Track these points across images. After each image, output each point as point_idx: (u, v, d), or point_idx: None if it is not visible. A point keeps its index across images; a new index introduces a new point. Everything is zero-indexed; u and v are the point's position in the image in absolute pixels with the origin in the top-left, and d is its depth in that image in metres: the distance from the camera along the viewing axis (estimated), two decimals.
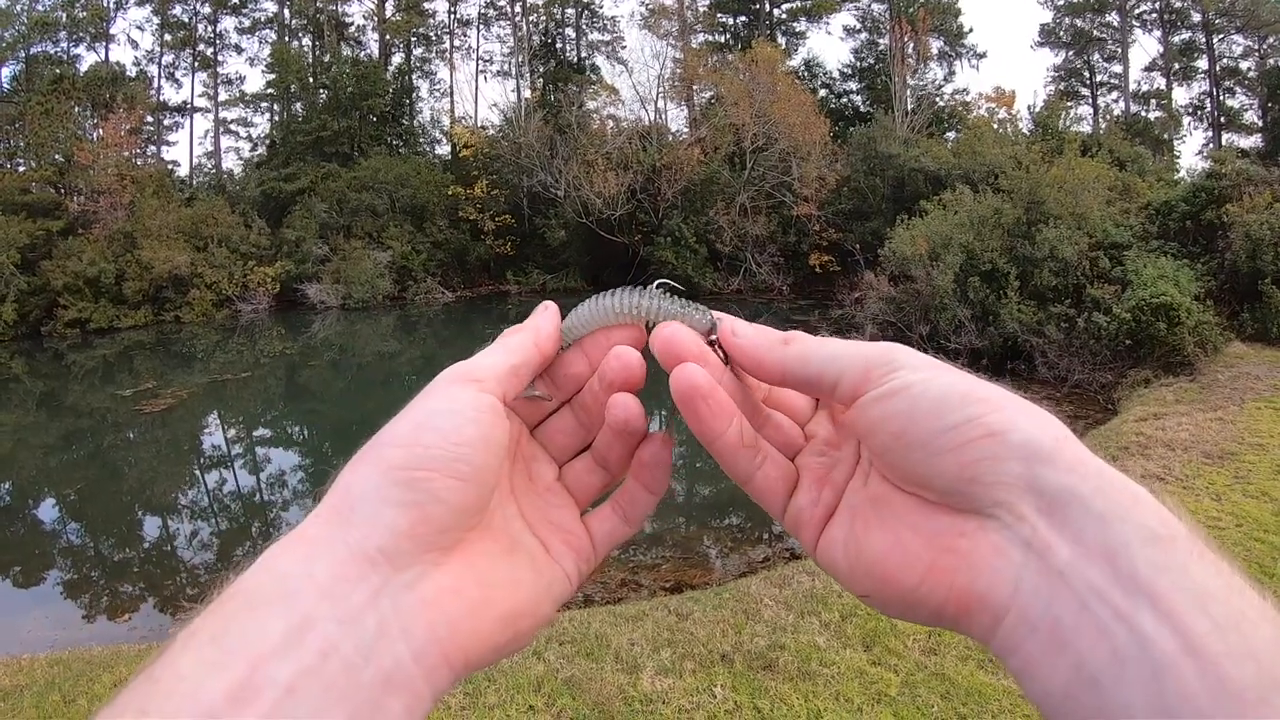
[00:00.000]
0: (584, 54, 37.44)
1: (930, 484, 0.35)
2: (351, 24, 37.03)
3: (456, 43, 38.25)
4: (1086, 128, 29.66)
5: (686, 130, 30.05)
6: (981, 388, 0.35)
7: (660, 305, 0.43)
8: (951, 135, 27.82)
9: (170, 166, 33.45)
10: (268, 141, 34.95)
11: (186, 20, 35.36)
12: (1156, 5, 33.70)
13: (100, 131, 26.29)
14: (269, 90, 35.05)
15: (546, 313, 0.44)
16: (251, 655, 0.29)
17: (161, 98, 34.77)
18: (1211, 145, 31.45)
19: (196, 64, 35.80)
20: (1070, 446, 0.33)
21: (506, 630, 0.37)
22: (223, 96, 36.29)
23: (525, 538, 0.41)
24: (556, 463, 0.45)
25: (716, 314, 0.44)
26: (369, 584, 0.32)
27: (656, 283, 0.45)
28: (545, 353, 0.43)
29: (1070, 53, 36.16)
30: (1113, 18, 34.79)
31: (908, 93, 30.95)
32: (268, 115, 36.61)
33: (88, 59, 31.72)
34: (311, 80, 33.36)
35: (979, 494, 0.34)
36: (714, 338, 0.43)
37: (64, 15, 31.04)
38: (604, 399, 0.42)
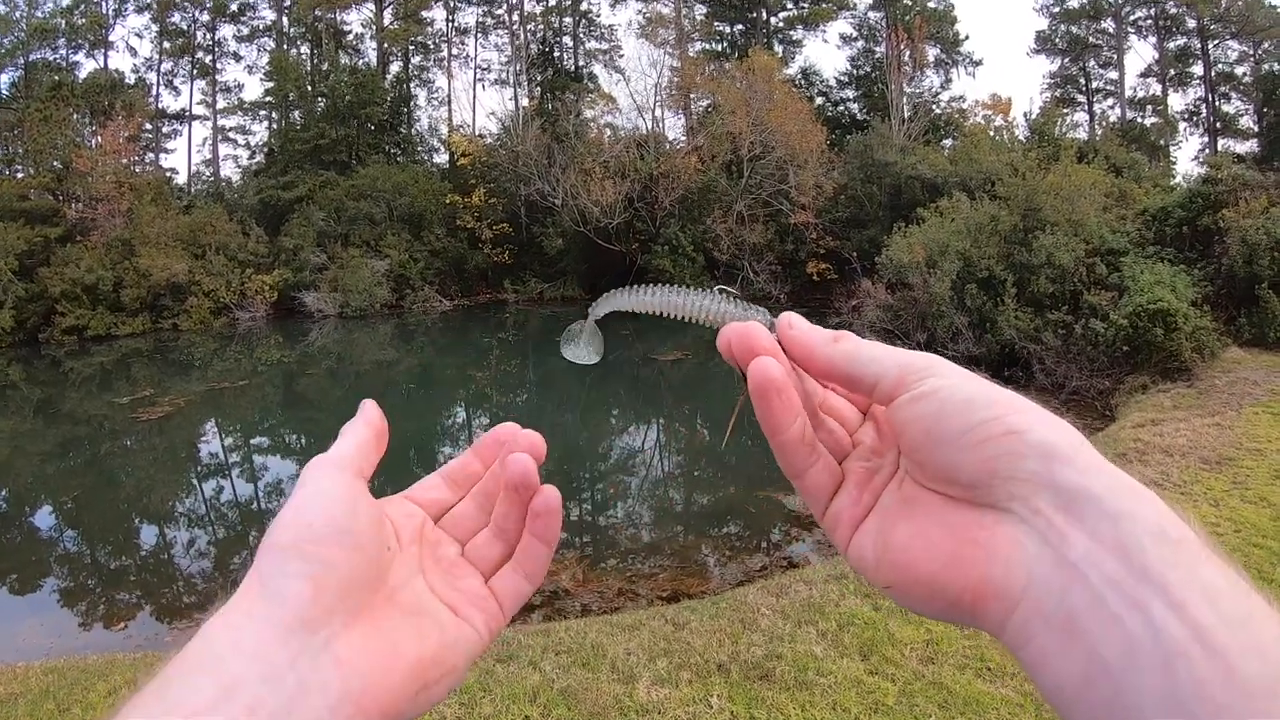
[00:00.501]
0: (581, 62, 37.62)
1: (955, 478, 0.39)
2: (350, 32, 37.28)
3: (454, 51, 38.49)
4: (1083, 134, 29.92)
5: (684, 138, 30.21)
6: (1006, 394, 0.38)
7: (724, 308, 0.48)
8: (948, 142, 27.99)
9: (168, 174, 33.63)
10: (266, 149, 35.07)
11: (185, 28, 35.54)
12: (1152, 12, 33.95)
13: (99, 138, 26.38)
14: (267, 98, 35.23)
15: (367, 407, 0.50)
16: (187, 710, 0.33)
17: (160, 105, 34.94)
18: (1207, 151, 31.63)
19: (195, 71, 35.96)
20: (1086, 451, 0.36)
21: (416, 680, 0.41)
22: (221, 104, 36.48)
23: (432, 604, 0.45)
24: (460, 542, 0.50)
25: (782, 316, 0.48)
26: (288, 648, 0.37)
27: (717, 287, 0.49)
28: (377, 431, 0.49)
29: (1066, 59, 36.41)
30: (1108, 24, 35.04)
31: (904, 100, 31.11)
32: (266, 123, 36.79)
33: (86, 66, 31.98)
34: (310, 88, 33.49)
35: (998, 487, 0.36)
36: (774, 335, 0.46)
37: (63, 22, 31.21)
38: (503, 479, 0.48)
